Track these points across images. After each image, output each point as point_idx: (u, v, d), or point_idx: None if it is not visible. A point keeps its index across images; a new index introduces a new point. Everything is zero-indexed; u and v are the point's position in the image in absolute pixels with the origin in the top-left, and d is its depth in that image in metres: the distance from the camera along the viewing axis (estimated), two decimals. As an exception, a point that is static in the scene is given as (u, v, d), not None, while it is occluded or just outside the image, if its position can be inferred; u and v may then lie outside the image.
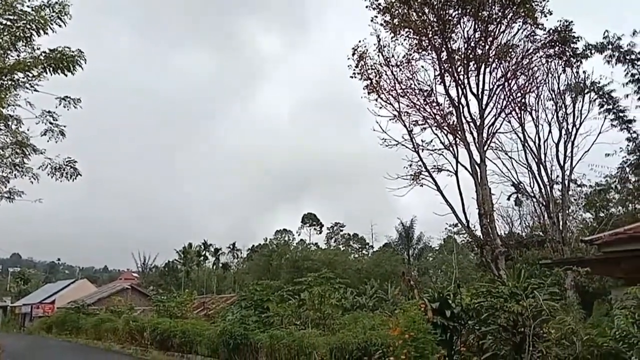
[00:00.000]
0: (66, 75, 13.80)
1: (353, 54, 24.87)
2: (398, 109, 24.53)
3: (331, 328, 14.69)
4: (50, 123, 15.17)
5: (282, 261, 58.05)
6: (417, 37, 24.01)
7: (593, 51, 24.56)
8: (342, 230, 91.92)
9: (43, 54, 13.64)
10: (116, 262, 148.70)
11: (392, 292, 22.65)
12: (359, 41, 24.74)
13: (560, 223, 23.90)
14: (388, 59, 24.59)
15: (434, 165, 23.98)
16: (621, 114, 24.63)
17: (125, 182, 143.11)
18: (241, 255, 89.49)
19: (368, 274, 43.62)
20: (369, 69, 24.81)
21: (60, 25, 13.41)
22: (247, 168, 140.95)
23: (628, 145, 24.89)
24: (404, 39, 24.24)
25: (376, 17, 24.10)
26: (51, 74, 13.87)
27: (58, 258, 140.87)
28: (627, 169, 26.26)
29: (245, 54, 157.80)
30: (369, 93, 24.88)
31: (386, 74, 24.75)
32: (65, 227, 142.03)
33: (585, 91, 24.80)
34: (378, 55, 24.68)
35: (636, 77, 23.91)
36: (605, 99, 24.88)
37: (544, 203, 24.80)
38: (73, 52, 13.72)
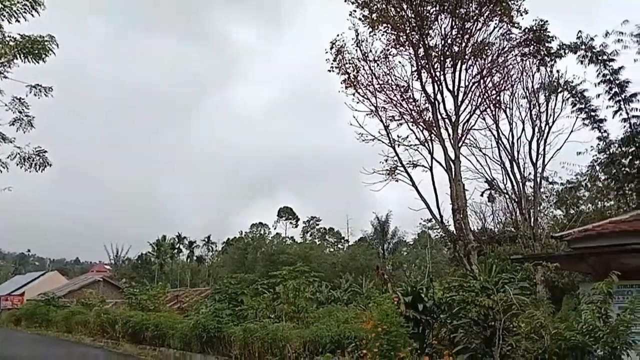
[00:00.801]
0: (37, 62, 13.47)
1: (331, 48, 24.88)
2: (375, 104, 24.65)
3: (305, 321, 14.73)
4: (20, 112, 14.75)
5: (258, 255, 57.96)
6: (395, 33, 24.11)
7: (567, 51, 24.93)
8: (318, 224, 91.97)
9: (13, 40, 13.28)
10: (88, 254, 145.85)
11: (366, 286, 22.84)
12: (337, 35, 24.78)
13: (532, 219, 24.37)
14: (366, 54, 24.65)
15: (410, 161, 24.21)
16: (593, 114, 25.07)
17: (99, 173, 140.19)
18: (216, 248, 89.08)
19: (343, 268, 43.82)
20: (346, 63, 24.84)
21: (32, 15, 13.08)
22: (223, 160, 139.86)
23: (598, 144, 25.34)
24: (382, 34, 24.33)
25: (354, 11, 24.14)
26: (22, 61, 13.52)
27: (28, 249, 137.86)
28: (597, 168, 26.80)
29: (222, 45, 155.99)
30: (346, 87, 24.92)
31: (364, 69, 24.83)
32: (36, 217, 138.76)
33: (559, 90, 25.26)
34: (356, 50, 24.74)
35: (607, 77, 24.34)
36: (577, 99, 25.31)
37: (516, 199, 25.25)
38: (44, 38, 13.40)
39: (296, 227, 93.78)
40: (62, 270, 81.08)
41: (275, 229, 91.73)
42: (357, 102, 24.78)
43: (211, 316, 16.08)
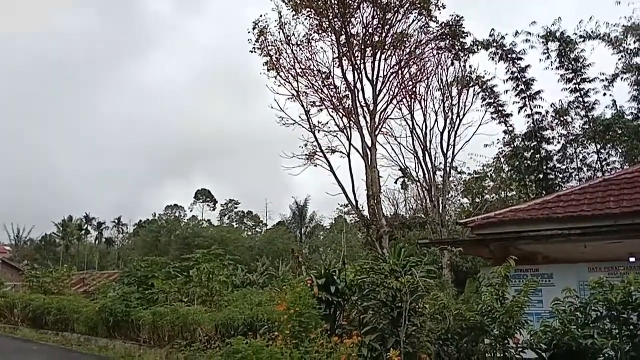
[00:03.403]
0: None
1: (254, 29, 24.57)
2: (297, 89, 24.71)
3: (219, 305, 14.58)
4: None
5: (172, 238, 56.63)
6: (318, 18, 24.19)
7: (480, 47, 26.22)
8: (236, 208, 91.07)
9: None
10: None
11: (283, 270, 22.95)
12: (261, 16, 24.52)
13: (441, 207, 25.56)
14: (289, 37, 24.57)
15: (329, 147, 24.55)
16: (500, 109, 26.65)
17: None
18: (127, 230, 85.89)
19: (261, 252, 43.81)
20: (269, 45, 24.65)
21: None
22: (135, 138, 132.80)
23: (504, 137, 27.06)
24: (306, 19, 24.39)
25: (278, -9, 23.92)
26: None
27: None
28: (502, 160, 28.58)
29: (133, 15, 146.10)
30: (268, 70, 24.77)
31: (286, 52, 24.77)
32: None
33: (471, 85, 26.54)
34: (279, 33, 24.59)
35: (515, 75, 25.89)
36: (487, 94, 26.76)
37: (427, 188, 26.34)
38: None
39: (214, 210, 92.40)
40: (-46, 252, 74.80)
41: (191, 211, 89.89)
42: (279, 86, 24.74)
43: (119, 300, 15.56)
